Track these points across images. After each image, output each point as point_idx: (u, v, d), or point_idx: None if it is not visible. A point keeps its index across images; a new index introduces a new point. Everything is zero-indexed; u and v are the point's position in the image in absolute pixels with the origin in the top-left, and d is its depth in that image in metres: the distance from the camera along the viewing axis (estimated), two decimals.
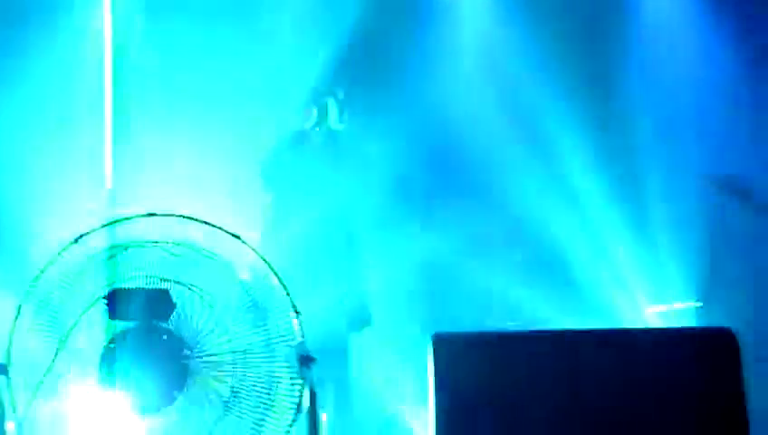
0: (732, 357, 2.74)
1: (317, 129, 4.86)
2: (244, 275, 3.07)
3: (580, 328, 2.90)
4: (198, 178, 5.76)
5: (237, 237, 3.05)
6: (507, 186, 6.35)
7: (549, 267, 6.34)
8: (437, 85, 6.49)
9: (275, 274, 3.04)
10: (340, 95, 4.88)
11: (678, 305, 6.39)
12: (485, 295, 6.24)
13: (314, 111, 4.86)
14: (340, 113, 4.89)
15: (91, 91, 6.04)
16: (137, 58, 6.13)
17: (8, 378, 3.06)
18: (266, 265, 3.04)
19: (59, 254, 3.11)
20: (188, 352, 3.01)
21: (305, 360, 2.99)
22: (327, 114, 4.80)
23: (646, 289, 6.50)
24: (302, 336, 3.04)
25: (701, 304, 6.30)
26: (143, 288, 3.03)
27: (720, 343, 2.74)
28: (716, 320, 5.86)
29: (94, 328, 3.03)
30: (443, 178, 6.52)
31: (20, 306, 3.08)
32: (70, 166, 5.80)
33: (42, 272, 3.10)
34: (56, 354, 3.01)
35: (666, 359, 2.77)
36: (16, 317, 3.07)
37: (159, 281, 3.05)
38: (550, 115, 6.43)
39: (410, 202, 6.25)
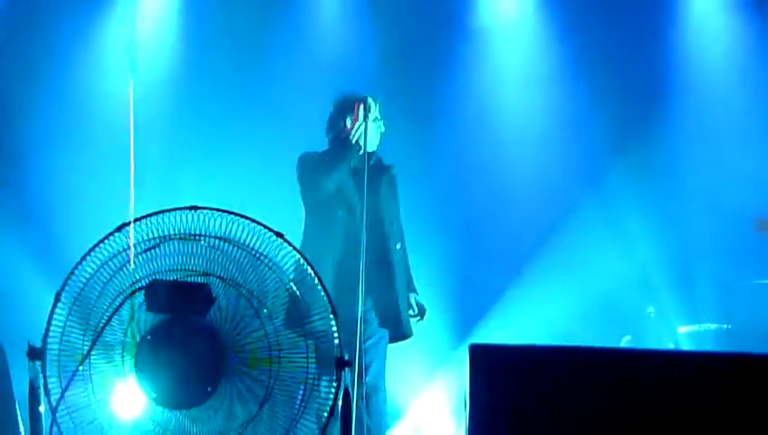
0: None
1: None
2: (285, 274, 3.04)
3: (621, 347, 2.83)
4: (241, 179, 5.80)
5: (281, 236, 3.03)
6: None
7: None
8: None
9: (315, 273, 3.02)
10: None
11: (709, 326, 6.37)
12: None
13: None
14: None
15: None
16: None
17: (44, 363, 3.06)
18: (307, 264, 3.02)
19: (100, 241, 3.10)
20: (225, 348, 2.99)
21: (341, 363, 2.97)
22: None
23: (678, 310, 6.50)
24: (339, 338, 3.01)
25: (730, 326, 6.28)
26: (182, 281, 3.02)
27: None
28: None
29: (132, 319, 3.02)
30: None
31: (58, 294, 3.08)
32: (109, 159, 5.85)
33: (81, 260, 3.10)
34: (92, 344, 3.00)
35: (705, 383, 2.71)
36: (55, 305, 3.07)
37: (199, 275, 3.03)
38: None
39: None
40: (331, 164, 4.57)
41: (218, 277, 3.04)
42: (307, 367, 3.04)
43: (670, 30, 6.80)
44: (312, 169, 4.62)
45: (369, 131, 4.57)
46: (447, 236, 6.28)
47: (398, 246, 4.70)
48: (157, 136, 5.90)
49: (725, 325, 6.32)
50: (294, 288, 3.05)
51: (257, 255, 3.03)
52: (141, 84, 5.93)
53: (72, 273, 3.07)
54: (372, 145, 4.65)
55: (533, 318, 6.20)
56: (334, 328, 2.98)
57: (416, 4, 6.61)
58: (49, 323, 3.07)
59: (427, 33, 6.59)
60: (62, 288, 3.08)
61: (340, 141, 4.64)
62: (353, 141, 4.60)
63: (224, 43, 6.36)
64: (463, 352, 5.55)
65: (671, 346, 6.40)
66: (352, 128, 4.60)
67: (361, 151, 4.59)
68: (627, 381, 2.67)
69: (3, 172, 6.06)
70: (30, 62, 6.19)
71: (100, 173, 5.79)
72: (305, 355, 3.00)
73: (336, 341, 2.98)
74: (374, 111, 4.64)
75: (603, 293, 6.32)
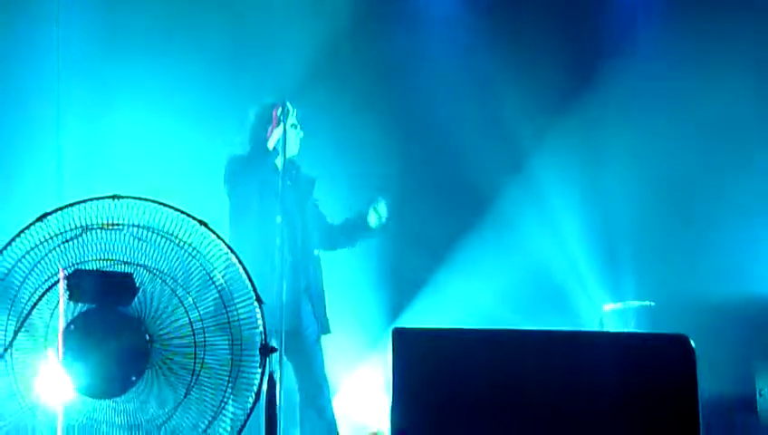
0: (687, 361, 2.81)
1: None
2: (209, 261, 3.06)
3: (538, 329, 2.93)
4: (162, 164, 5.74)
5: (204, 224, 3.04)
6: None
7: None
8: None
9: (240, 261, 3.04)
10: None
11: (633, 303, 6.53)
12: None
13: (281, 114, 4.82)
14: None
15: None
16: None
17: None
18: (231, 253, 3.04)
19: (21, 232, 3.08)
20: (149, 336, 3.00)
21: (266, 349, 3.00)
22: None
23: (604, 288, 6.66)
24: (264, 325, 3.04)
25: (653, 303, 6.45)
26: (105, 271, 3.02)
27: (676, 348, 2.80)
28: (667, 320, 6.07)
29: (55, 309, 3.01)
30: None
31: None
32: (33, 143, 5.71)
33: (2, 249, 3.07)
34: (14, 334, 2.99)
35: (623, 361, 2.82)
36: None
37: (122, 264, 3.04)
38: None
39: None
40: (248, 167, 4.78)
41: (142, 266, 3.05)
42: (231, 352, 3.07)
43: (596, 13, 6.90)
44: (232, 170, 4.82)
45: (288, 137, 4.75)
46: None
47: (317, 253, 4.98)
48: (82, 121, 5.81)
49: (648, 302, 6.49)
50: (218, 275, 3.07)
51: (180, 243, 3.05)
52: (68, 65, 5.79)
53: None
54: (291, 150, 4.86)
55: (461, 301, 6.30)
56: (258, 315, 3.01)
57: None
58: None
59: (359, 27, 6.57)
60: None
61: (259, 147, 4.82)
62: (271, 147, 4.78)
63: (149, 35, 6.23)
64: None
65: (598, 323, 6.57)
66: (270, 133, 4.79)
67: (280, 156, 4.72)
68: (536, 359, 2.78)
69: None
70: None
71: (26, 161, 5.67)
72: (230, 341, 3.03)
73: (260, 328, 3.01)
74: (291, 117, 4.84)
75: (529, 274, 6.45)
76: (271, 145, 4.80)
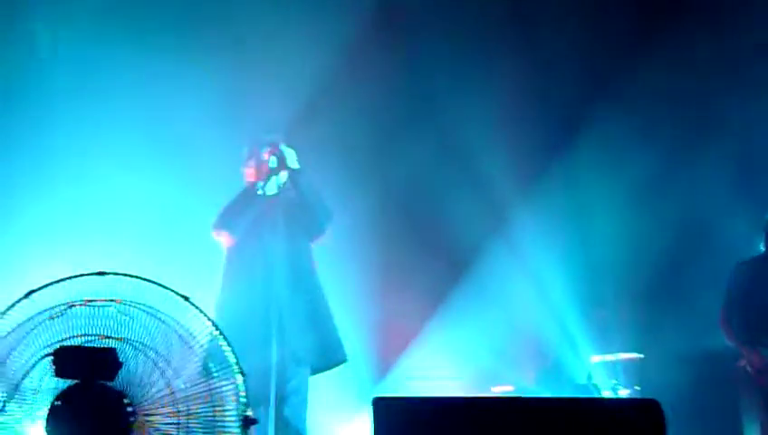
0: (657, 426, 2.87)
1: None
2: (193, 336, 3.12)
3: (516, 396, 2.99)
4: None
5: (186, 299, 3.11)
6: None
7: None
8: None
9: (222, 334, 3.10)
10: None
11: (621, 356, 6.58)
12: None
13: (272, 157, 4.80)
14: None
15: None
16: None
17: None
18: (213, 326, 3.11)
19: (8, 309, 3.15)
20: (134, 412, 3.05)
21: (248, 421, 3.05)
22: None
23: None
24: (246, 397, 3.10)
25: (643, 355, 6.50)
26: (89, 346, 3.07)
27: (647, 414, 2.86)
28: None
29: (41, 386, 3.07)
30: None
31: None
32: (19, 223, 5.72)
33: None
34: (2, 411, 3.04)
35: (599, 428, 2.88)
36: None
37: (107, 339, 3.10)
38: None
39: None
40: (232, 212, 4.80)
41: (126, 341, 3.11)
42: (214, 424, 3.12)
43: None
44: (218, 219, 4.87)
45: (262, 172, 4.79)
46: (364, 275, 6.35)
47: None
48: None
49: (637, 355, 6.55)
50: (200, 348, 3.13)
51: (164, 318, 3.11)
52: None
53: None
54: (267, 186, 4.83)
55: (451, 352, 6.34)
56: (235, 386, 3.07)
57: None
58: None
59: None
60: None
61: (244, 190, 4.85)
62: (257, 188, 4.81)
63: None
64: (382, 391, 5.68)
65: (585, 376, 6.62)
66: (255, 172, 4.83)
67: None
68: (512, 425, 2.83)
69: None
70: None
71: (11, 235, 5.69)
72: (212, 416, 3.08)
73: (243, 399, 3.07)
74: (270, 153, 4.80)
75: (516, 328, 6.51)
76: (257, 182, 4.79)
